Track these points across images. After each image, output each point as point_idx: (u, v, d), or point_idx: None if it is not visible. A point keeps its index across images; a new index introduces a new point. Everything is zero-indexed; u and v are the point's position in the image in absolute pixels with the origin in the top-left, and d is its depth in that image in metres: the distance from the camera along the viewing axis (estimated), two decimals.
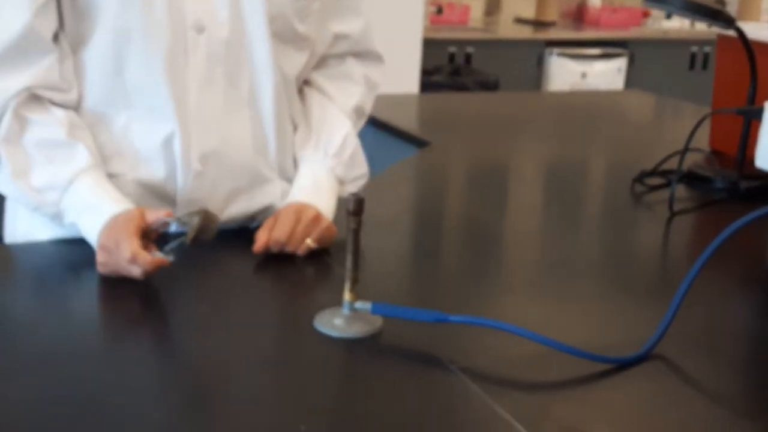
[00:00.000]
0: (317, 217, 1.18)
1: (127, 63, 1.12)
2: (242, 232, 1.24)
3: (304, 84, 1.32)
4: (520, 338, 0.91)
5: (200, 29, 1.13)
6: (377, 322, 0.97)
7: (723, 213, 1.55)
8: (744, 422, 0.85)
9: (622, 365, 0.91)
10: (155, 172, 1.17)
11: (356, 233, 0.95)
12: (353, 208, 0.94)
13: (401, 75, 3.54)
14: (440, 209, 1.61)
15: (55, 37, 1.12)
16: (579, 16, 5.78)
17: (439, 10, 4.96)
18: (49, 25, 1.10)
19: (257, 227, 1.19)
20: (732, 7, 5.36)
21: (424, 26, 4.02)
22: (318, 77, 1.32)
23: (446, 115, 2.45)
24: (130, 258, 1.03)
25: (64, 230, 1.16)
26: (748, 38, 1.67)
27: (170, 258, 1.04)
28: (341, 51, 1.32)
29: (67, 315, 1.01)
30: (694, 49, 5.30)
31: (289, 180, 1.28)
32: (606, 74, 5.08)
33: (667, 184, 1.65)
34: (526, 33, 5.08)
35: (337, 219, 1.21)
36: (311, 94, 1.31)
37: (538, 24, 5.27)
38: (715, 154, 1.76)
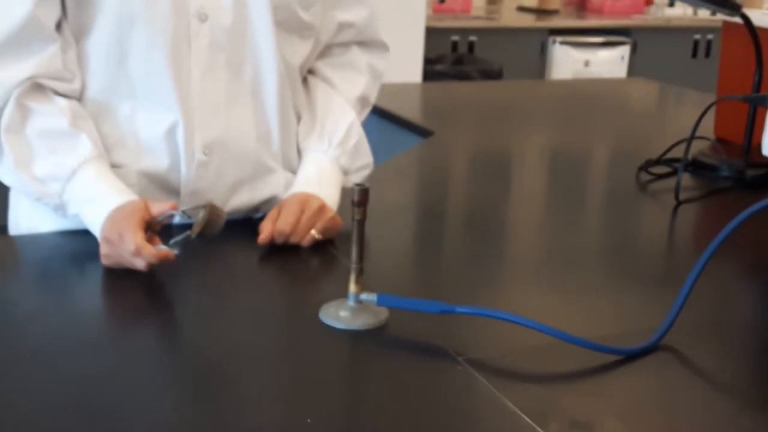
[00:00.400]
0: (322, 208, 1.17)
1: (130, 52, 1.11)
2: (246, 223, 1.23)
3: (308, 73, 1.31)
4: (526, 329, 0.90)
5: (203, 17, 1.12)
6: (383, 313, 0.96)
7: (729, 201, 1.54)
8: (754, 413, 0.84)
9: (631, 356, 0.91)
10: (158, 162, 1.17)
11: (361, 224, 0.94)
12: (358, 198, 0.93)
13: (404, 64, 3.52)
14: (445, 199, 1.60)
15: (58, 26, 1.11)
16: (582, 4, 5.76)
17: None
18: (52, 13, 1.09)
19: (261, 218, 1.19)
20: None
21: (427, 15, 4.01)
22: (322, 66, 1.31)
23: (450, 104, 2.43)
24: (135, 250, 1.02)
25: (67, 222, 1.16)
26: (754, 25, 1.66)
27: (175, 251, 1.03)
28: (346, 40, 1.31)
29: (71, 306, 1.01)
30: (697, 36, 5.28)
31: (293, 170, 1.27)
32: (609, 62, 5.06)
33: (673, 173, 1.65)
34: (528, 21, 5.06)
35: (341, 209, 1.20)
36: (315, 84, 1.30)
37: (541, 12, 5.25)
38: (720, 141, 1.75)
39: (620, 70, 5.08)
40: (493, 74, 4.21)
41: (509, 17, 5.14)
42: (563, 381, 0.87)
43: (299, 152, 1.28)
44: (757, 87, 1.70)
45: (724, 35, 1.94)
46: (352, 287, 0.96)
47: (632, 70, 5.10)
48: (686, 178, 1.56)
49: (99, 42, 1.12)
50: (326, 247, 1.17)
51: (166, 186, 1.19)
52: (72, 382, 0.83)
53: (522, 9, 5.42)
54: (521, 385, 0.85)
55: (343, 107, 1.29)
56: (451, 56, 4.53)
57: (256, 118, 1.20)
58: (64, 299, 1.02)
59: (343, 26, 1.29)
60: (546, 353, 0.90)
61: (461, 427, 0.78)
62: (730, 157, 1.65)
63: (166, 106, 1.14)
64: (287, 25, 1.18)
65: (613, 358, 0.90)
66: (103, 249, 1.06)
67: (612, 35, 5.12)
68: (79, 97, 1.15)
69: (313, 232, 1.16)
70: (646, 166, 1.67)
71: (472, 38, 4.72)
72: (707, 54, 5.30)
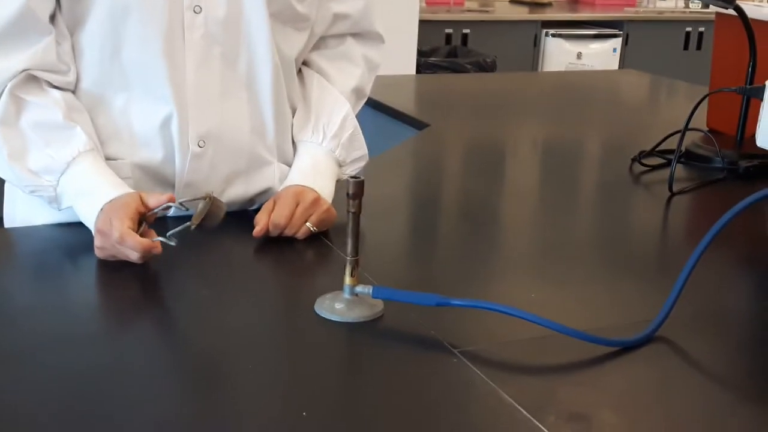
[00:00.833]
0: (317, 200, 1.17)
1: (124, 44, 1.11)
2: (241, 215, 1.23)
3: (302, 65, 1.30)
4: (522, 321, 0.90)
5: (197, 9, 1.11)
6: (378, 306, 0.96)
7: (723, 192, 1.54)
8: (750, 405, 0.84)
9: (627, 347, 0.91)
10: (153, 154, 1.16)
11: (356, 216, 0.94)
12: (353, 191, 0.93)
13: (398, 56, 3.52)
14: (440, 191, 1.60)
15: (53, 18, 1.10)
16: None
17: None
18: (46, 5, 1.08)
19: (257, 210, 1.19)
20: None
21: (420, 8, 4.00)
22: (317, 58, 1.31)
23: (444, 96, 2.43)
24: (118, 238, 1.01)
25: (62, 214, 1.15)
26: (748, 17, 1.66)
27: (172, 243, 1.03)
28: (341, 31, 1.30)
29: (67, 299, 1.00)
30: (689, 29, 5.29)
31: (288, 163, 1.27)
32: (601, 54, 5.07)
33: (666, 164, 1.65)
34: (522, 14, 5.06)
35: (336, 202, 1.20)
36: (310, 76, 1.30)
37: (534, 5, 5.25)
38: (713, 133, 1.75)
39: (612, 62, 5.09)
40: (486, 66, 4.21)
41: (502, 10, 5.14)
42: (559, 373, 0.87)
43: (294, 144, 1.28)
44: (751, 78, 1.71)
45: (717, 27, 1.94)
46: (348, 279, 0.96)
47: (624, 62, 5.11)
48: (679, 170, 1.56)
49: (93, 34, 1.11)
50: (321, 239, 1.17)
51: (160, 178, 1.19)
52: (67, 375, 0.82)
53: (515, 2, 5.42)
54: (517, 377, 0.85)
55: (338, 99, 1.29)
56: (444, 48, 4.53)
57: (250, 110, 1.20)
58: (59, 292, 1.02)
59: (338, 17, 1.28)
60: (542, 345, 0.90)
61: (457, 421, 0.78)
62: (723, 149, 1.65)
63: (160, 98, 1.13)
64: (282, 16, 1.18)
65: (609, 349, 0.90)
66: (97, 241, 1.06)
67: (604, 28, 5.13)
68: (73, 90, 1.14)
69: (308, 224, 1.16)
70: (639, 158, 1.68)
71: (466, 31, 4.72)
72: (699, 46, 5.31)
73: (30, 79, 1.10)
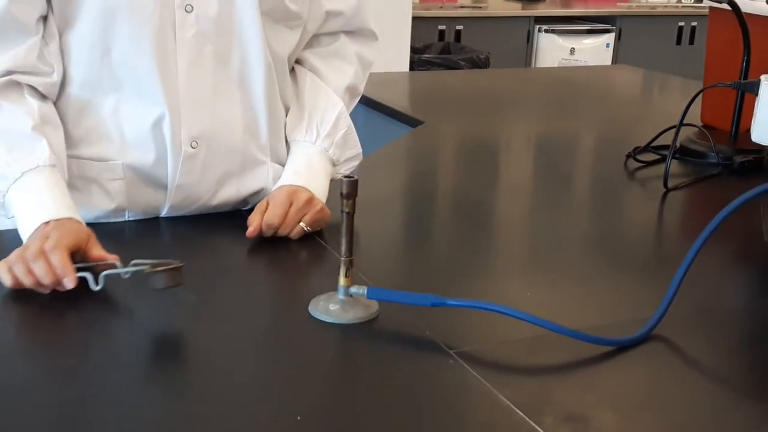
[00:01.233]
0: (310, 200, 1.16)
1: (114, 44, 1.09)
2: (235, 215, 1.22)
3: (295, 63, 1.29)
4: (518, 321, 0.90)
5: (188, 8, 1.10)
6: (373, 306, 0.95)
7: (718, 188, 1.54)
8: (749, 403, 0.83)
9: (623, 347, 0.90)
10: (145, 155, 1.15)
11: (350, 216, 0.93)
12: (347, 190, 0.92)
13: (391, 54, 3.51)
14: (434, 189, 1.59)
15: (44, 19, 1.09)
16: None
17: None
18: (31, 9, 1.07)
19: (250, 211, 1.18)
20: None
21: (413, 4, 3.99)
22: (310, 56, 1.30)
23: (438, 93, 2.42)
24: (49, 249, 0.95)
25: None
26: (742, 11, 1.65)
27: (96, 286, 0.95)
28: (334, 29, 1.29)
29: (49, 303, 0.99)
30: (681, 23, 5.29)
31: (282, 162, 1.26)
32: (594, 50, 5.07)
33: (661, 160, 1.64)
34: (515, 10, 5.06)
35: (331, 201, 1.19)
36: (303, 74, 1.29)
37: (527, 0, 5.24)
38: (707, 128, 1.74)
39: (605, 58, 5.09)
40: (480, 62, 4.21)
41: (495, 6, 5.14)
42: (556, 373, 0.86)
43: (287, 144, 1.27)
44: (745, 73, 1.70)
45: (710, 22, 1.94)
46: (342, 280, 0.95)
47: (617, 57, 5.11)
48: (674, 165, 1.55)
49: (83, 34, 1.09)
50: (315, 239, 1.16)
51: (152, 180, 1.18)
52: (56, 378, 0.81)
53: None
54: (514, 378, 0.85)
55: (331, 98, 1.28)
56: (437, 45, 4.53)
57: (243, 110, 1.19)
58: (42, 296, 1.00)
59: (330, 15, 1.27)
60: (538, 345, 0.89)
61: (454, 423, 0.77)
62: (718, 144, 1.65)
63: (151, 99, 1.12)
64: (274, 14, 1.17)
65: (605, 348, 0.89)
66: (12, 255, 0.98)
67: (597, 23, 5.13)
68: (57, 92, 1.12)
69: (302, 224, 1.15)
70: (634, 154, 1.67)
71: (459, 27, 4.71)
72: (691, 41, 5.31)
73: (11, 84, 1.08)
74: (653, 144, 1.70)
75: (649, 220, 1.42)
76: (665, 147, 1.66)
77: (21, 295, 0.96)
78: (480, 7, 4.97)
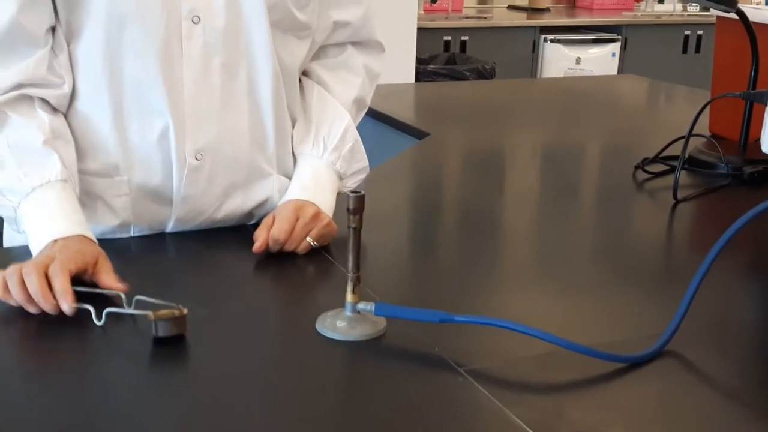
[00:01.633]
0: (317, 215, 1.15)
1: (120, 55, 1.08)
2: (240, 230, 1.21)
3: (302, 75, 1.29)
4: (527, 337, 0.88)
5: (196, 19, 1.09)
6: (381, 323, 0.94)
7: (728, 199, 1.52)
8: (766, 419, 0.82)
9: (635, 363, 0.88)
10: (150, 168, 1.14)
11: (357, 232, 0.92)
12: (354, 206, 0.91)
13: (397, 65, 3.51)
14: (441, 202, 1.58)
15: (53, 30, 1.08)
16: (572, 1, 5.76)
17: (433, 0, 4.93)
18: (40, 19, 1.06)
19: (256, 225, 1.17)
20: None
21: (418, 15, 3.99)
22: (317, 68, 1.29)
23: (444, 104, 2.42)
24: (53, 270, 0.94)
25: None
26: (750, 21, 1.64)
27: (99, 322, 0.92)
28: (341, 40, 1.28)
29: (57, 320, 0.98)
30: (687, 32, 5.28)
31: (288, 174, 1.25)
32: (600, 59, 5.06)
33: (669, 170, 1.63)
34: (520, 20, 5.06)
35: (338, 215, 1.18)
36: (310, 87, 1.28)
37: (532, 10, 5.25)
38: (715, 138, 1.73)
39: (611, 67, 5.08)
40: (485, 73, 4.20)
41: (500, 16, 5.14)
42: (568, 391, 0.85)
43: (294, 156, 1.26)
44: (753, 82, 1.69)
45: (718, 31, 1.93)
46: (349, 297, 0.94)
47: (623, 66, 5.11)
48: (683, 176, 1.54)
49: (88, 45, 1.09)
50: (322, 254, 1.15)
51: (158, 194, 1.17)
52: (65, 392, 0.80)
53: (513, 8, 5.42)
54: (525, 396, 0.83)
55: (338, 111, 1.27)
56: (443, 56, 4.53)
57: (251, 122, 1.18)
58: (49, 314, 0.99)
59: (338, 25, 1.26)
60: (549, 362, 0.88)
61: None
62: (727, 154, 1.63)
63: (156, 111, 1.11)
64: (282, 25, 1.16)
65: (617, 365, 0.88)
66: (10, 267, 0.97)
67: (602, 32, 5.13)
68: (68, 103, 1.12)
69: (308, 239, 1.14)
70: (642, 165, 1.66)
71: (464, 37, 4.71)
72: (697, 49, 5.30)
73: (22, 97, 1.08)
74: (662, 154, 1.68)
75: (659, 232, 1.40)
76: (673, 157, 1.65)
77: (22, 311, 0.95)
78: (485, 18, 4.97)
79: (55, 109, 1.11)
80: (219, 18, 1.10)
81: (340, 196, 1.24)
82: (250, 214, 1.25)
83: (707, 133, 1.85)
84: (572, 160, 1.89)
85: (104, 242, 1.14)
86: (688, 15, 5.39)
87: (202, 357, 0.90)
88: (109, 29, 1.07)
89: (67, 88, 1.10)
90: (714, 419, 0.82)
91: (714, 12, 1.77)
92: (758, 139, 1.36)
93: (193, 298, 1.01)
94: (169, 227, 1.20)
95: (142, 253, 1.12)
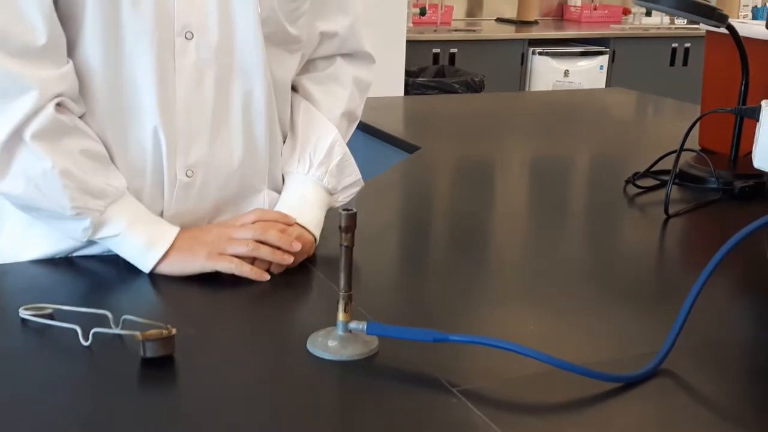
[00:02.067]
0: (300, 236, 1.14)
1: (112, 71, 1.07)
2: None
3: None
4: (521, 357, 0.87)
5: (189, 35, 1.08)
6: (373, 342, 0.93)
7: (720, 214, 1.52)
8: None
9: (631, 383, 0.88)
10: (140, 184, 1.12)
11: (349, 250, 0.91)
12: (345, 224, 0.89)
13: (386, 77, 3.50)
14: (432, 219, 1.57)
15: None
16: (560, 14, 5.79)
17: (422, 12, 4.94)
18: (61, 32, 1.05)
19: None
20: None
21: (407, 27, 3.99)
22: (305, 82, 1.28)
23: (434, 118, 2.41)
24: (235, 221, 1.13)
25: (50, 249, 1.12)
26: (740, 35, 1.64)
27: (85, 342, 0.91)
28: (329, 52, 1.27)
29: (50, 342, 0.96)
30: (675, 44, 5.31)
31: (278, 189, 1.24)
32: (588, 71, 5.08)
33: (660, 185, 1.63)
34: (508, 32, 5.08)
35: (327, 230, 1.17)
36: (297, 102, 1.27)
37: (520, 23, 5.27)
38: (705, 152, 1.73)
39: (599, 79, 5.10)
40: (474, 85, 4.21)
41: (489, 29, 5.16)
42: (563, 411, 0.84)
43: (283, 174, 1.25)
44: (744, 97, 1.69)
45: (707, 45, 1.93)
46: (341, 316, 0.92)
47: (611, 79, 5.13)
48: (673, 190, 1.54)
49: (81, 60, 1.07)
50: (314, 271, 1.14)
51: (148, 208, 1.15)
52: (50, 415, 0.79)
53: (501, 20, 5.43)
54: (520, 417, 0.82)
55: (325, 125, 1.26)
56: (432, 68, 4.53)
57: (243, 138, 1.16)
58: (41, 335, 0.98)
59: (325, 36, 1.25)
60: (544, 382, 0.87)
61: None
62: (717, 169, 1.63)
63: (149, 127, 1.09)
64: (274, 38, 1.15)
65: (612, 384, 0.87)
66: (179, 250, 1.09)
67: (590, 45, 5.15)
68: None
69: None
70: (633, 179, 1.65)
71: (453, 50, 4.72)
72: (685, 62, 5.33)
73: (65, 107, 1.06)
74: (652, 169, 1.68)
75: (652, 248, 1.40)
76: (664, 172, 1.65)
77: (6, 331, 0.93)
78: (474, 30, 4.99)
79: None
80: (212, 34, 1.09)
81: (333, 212, 1.23)
82: None
83: (697, 147, 1.85)
84: (564, 175, 1.88)
85: (94, 258, 1.13)
86: (676, 28, 5.42)
87: (191, 378, 0.88)
88: (101, 45, 1.06)
89: (83, 105, 1.09)
90: None
91: (703, 26, 1.77)
92: (748, 153, 1.36)
93: (182, 317, 0.99)
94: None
95: (131, 270, 1.10)
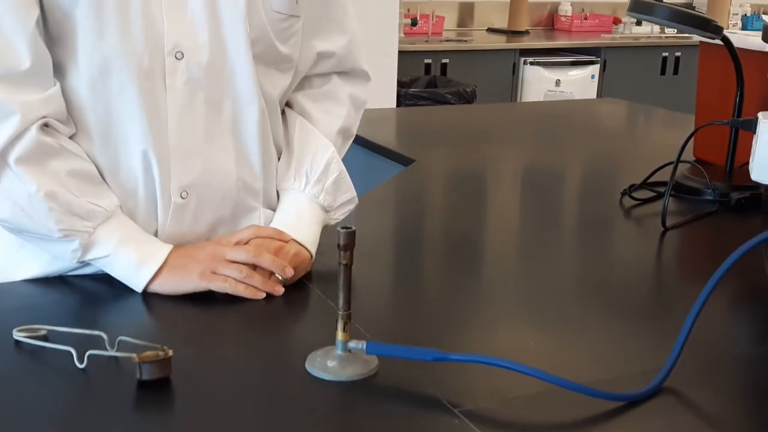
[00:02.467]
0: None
1: (102, 92, 1.06)
2: None
3: (285, 106, 1.26)
4: (522, 375, 0.86)
5: (179, 56, 1.07)
6: (373, 362, 0.92)
7: (717, 226, 1.51)
8: None
9: (634, 401, 0.87)
10: (134, 206, 1.11)
11: (348, 268, 0.90)
12: (344, 242, 0.88)
13: (378, 89, 3.49)
14: (429, 233, 1.56)
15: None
16: (550, 24, 5.81)
17: (414, 23, 4.95)
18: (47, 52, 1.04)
19: None
20: (700, 8, 5.40)
21: (399, 38, 4.00)
22: (301, 99, 1.27)
23: (428, 130, 2.41)
24: (227, 241, 1.12)
25: (42, 269, 1.11)
26: (735, 46, 1.64)
27: (80, 365, 0.89)
28: (326, 70, 1.27)
29: (42, 363, 0.94)
30: (665, 54, 5.33)
31: (273, 207, 1.23)
32: (580, 81, 5.10)
33: (656, 197, 1.62)
34: (499, 42, 5.09)
35: (327, 249, 1.16)
36: (293, 119, 1.26)
37: (511, 33, 5.28)
38: (700, 163, 1.73)
39: (591, 89, 5.12)
40: (466, 96, 4.21)
41: (480, 39, 5.16)
42: (566, 431, 0.83)
43: (278, 192, 1.23)
44: (739, 109, 1.69)
45: (701, 56, 1.93)
46: (340, 335, 0.91)
47: (602, 88, 5.15)
48: (670, 202, 1.53)
49: (71, 82, 1.06)
50: (312, 290, 1.12)
51: (142, 229, 1.13)
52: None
53: (492, 30, 5.44)
54: None
55: (321, 142, 1.24)
56: (424, 79, 4.53)
57: (236, 157, 1.15)
58: (33, 357, 0.96)
59: (322, 56, 1.24)
60: (546, 401, 0.86)
61: None
62: (713, 180, 1.63)
63: (140, 149, 1.08)
64: (265, 57, 1.14)
65: (615, 403, 0.86)
66: (172, 268, 1.07)
67: (581, 54, 5.16)
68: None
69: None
70: (629, 191, 1.65)
71: (445, 60, 4.73)
72: (675, 71, 5.35)
73: (50, 128, 1.04)
74: (648, 181, 1.68)
75: (650, 262, 1.39)
76: (660, 183, 1.65)
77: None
78: (465, 41, 4.99)
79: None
80: (203, 54, 1.08)
81: (330, 230, 1.22)
82: None
83: (691, 158, 1.85)
84: (559, 187, 1.88)
85: (87, 277, 1.12)
86: (666, 37, 5.44)
87: (189, 400, 0.87)
88: (91, 65, 1.05)
89: (72, 126, 1.08)
90: None
91: (697, 38, 1.77)
92: (744, 164, 1.36)
93: (178, 337, 0.98)
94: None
95: (126, 290, 1.09)
